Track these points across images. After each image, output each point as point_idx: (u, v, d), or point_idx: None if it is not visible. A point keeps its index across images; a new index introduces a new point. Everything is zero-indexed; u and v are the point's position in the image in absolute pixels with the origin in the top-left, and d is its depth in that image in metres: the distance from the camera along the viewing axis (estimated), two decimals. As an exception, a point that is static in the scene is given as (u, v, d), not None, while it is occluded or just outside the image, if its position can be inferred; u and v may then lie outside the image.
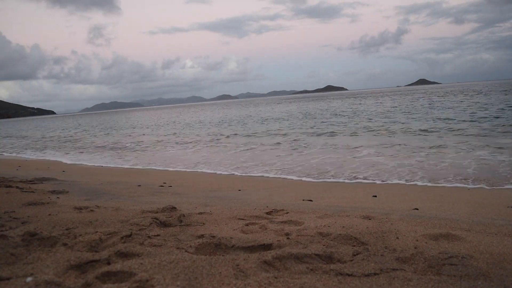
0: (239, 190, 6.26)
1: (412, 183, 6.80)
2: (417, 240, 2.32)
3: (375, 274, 1.81)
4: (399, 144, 11.69)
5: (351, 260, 1.98)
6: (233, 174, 8.98)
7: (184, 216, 3.00)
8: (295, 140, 15.10)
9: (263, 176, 8.37)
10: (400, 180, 7.06)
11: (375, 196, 5.36)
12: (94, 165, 11.86)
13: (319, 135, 16.39)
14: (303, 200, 4.81)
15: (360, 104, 44.93)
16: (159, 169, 10.42)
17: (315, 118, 26.86)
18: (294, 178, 7.96)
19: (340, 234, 2.39)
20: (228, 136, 18.71)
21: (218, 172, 9.29)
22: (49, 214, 3.11)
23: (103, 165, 11.96)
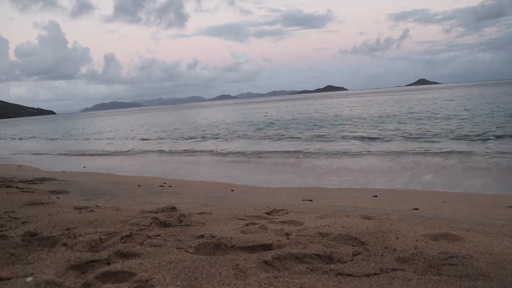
0: (232, 190, 6.26)
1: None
2: (417, 240, 2.31)
3: (375, 274, 1.81)
4: None
5: (351, 260, 1.98)
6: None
7: (184, 216, 3.00)
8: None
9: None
10: None
11: (376, 196, 5.36)
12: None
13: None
14: (303, 200, 4.81)
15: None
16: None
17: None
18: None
19: (340, 234, 2.39)
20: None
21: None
22: (49, 214, 3.11)
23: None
